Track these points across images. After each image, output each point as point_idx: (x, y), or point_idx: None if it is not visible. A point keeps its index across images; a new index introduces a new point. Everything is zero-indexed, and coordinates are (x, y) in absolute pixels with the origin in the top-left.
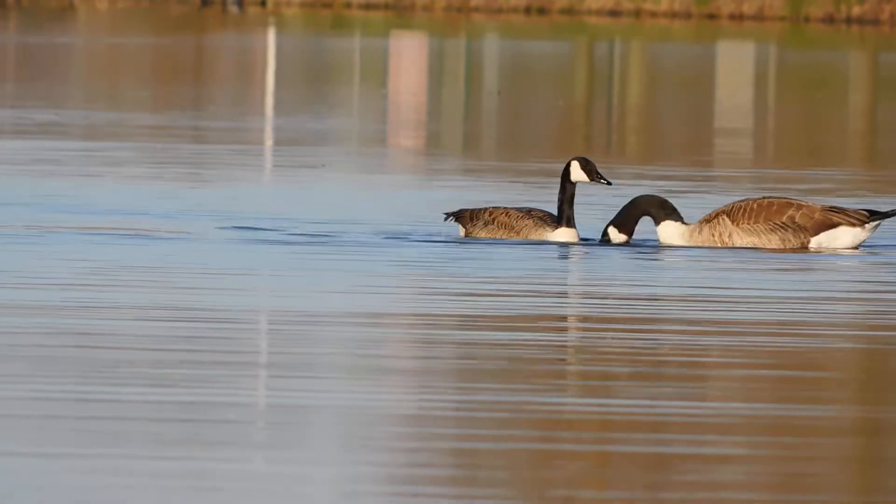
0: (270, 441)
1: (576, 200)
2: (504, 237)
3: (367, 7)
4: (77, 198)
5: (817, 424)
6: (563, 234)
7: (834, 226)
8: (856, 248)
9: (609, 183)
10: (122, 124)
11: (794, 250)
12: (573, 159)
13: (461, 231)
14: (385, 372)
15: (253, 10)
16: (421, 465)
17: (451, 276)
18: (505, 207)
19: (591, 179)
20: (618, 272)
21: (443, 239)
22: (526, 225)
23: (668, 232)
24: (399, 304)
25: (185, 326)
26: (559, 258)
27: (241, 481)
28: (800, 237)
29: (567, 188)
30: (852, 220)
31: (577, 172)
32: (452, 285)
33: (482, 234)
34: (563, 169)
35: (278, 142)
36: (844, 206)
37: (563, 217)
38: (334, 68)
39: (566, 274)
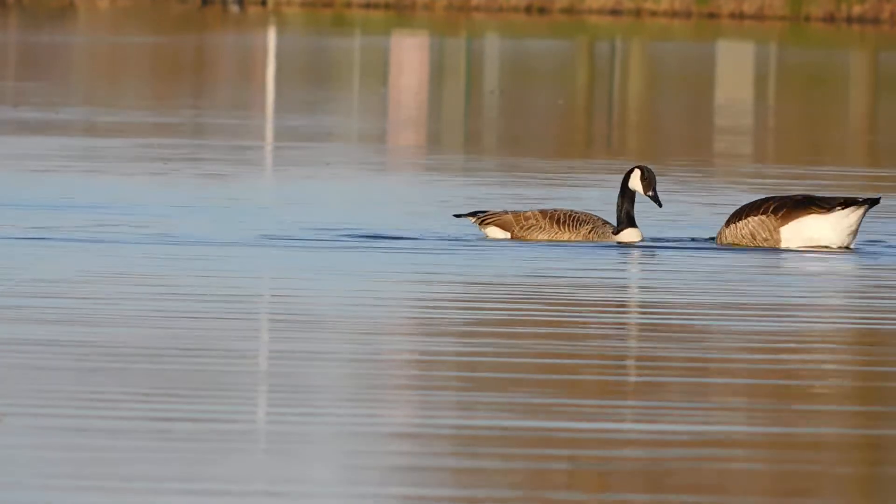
0: (271, 454)
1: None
2: (566, 241)
3: (368, 6)
4: (77, 197)
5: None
6: (628, 235)
7: (801, 216)
8: (846, 242)
9: (660, 205)
10: (122, 123)
11: (767, 245)
12: (636, 167)
13: (497, 234)
14: (391, 386)
15: (253, 10)
16: (425, 485)
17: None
18: (553, 209)
19: (644, 192)
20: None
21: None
22: (590, 228)
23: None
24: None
25: (183, 334)
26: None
27: (241, 498)
28: (768, 230)
29: (626, 193)
30: (819, 209)
31: (634, 181)
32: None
33: (541, 237)
34: (625, 174)
35: (279, 141)
36: (826, 195)
37: (624, 216)
38: (335, 67)
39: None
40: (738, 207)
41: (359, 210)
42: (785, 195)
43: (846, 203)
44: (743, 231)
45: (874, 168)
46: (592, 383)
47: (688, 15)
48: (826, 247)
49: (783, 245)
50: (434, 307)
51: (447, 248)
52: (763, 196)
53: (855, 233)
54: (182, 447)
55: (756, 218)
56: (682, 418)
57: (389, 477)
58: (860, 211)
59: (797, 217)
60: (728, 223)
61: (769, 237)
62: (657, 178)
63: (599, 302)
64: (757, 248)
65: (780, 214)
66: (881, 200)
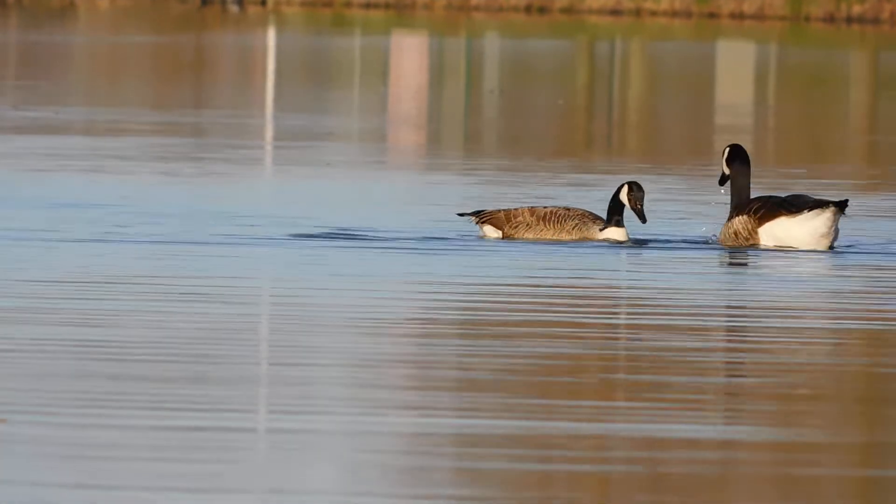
0: (271, 462)
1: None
2: (550, 238)
3: (368, 6)
4: (76, 196)
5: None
6: (612, 233)
7: (774, 218)
8: (819, 244)
9: (644, 220)
10: (122, 122)
11: (749, 245)
12: (627, 182)
13: (490, 232)
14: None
15: (253, 9)
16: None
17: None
18: (543, 206)
19: (630, 206)
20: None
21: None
22: (574, 224)
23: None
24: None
25: (184, 338)
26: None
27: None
28: (748, 230)
29: (616, 203)
30: (788, 212)
31: (623, 195)
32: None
33: (528, 235)
34: (618, 186)
35: (279, 140)
36: (805, 197)
37: (612, 218)
38: (335, 67)
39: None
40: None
41: (359, 210)
42: (771, 195)
43: (814, 206)
44: (730, 230)
45: (874, 168)
46: (592, 385)
47: (688, 15)
48: (797, 248)
49: (762, 245)
50: (432, 308)
51: (448, 249)
52: (757, 195)
53: (829, 235)
54: (182, 451)
55: (741, 217)
56: (682, 420)
57: (390, 479)
58: (827, 213)
59: (771, 219)
60: (726, 221)
61: (749, 237)
62: (647, 192)
63: (589, 302)
64: (744, 247)
65: (759, 215)
66: (849, 203)
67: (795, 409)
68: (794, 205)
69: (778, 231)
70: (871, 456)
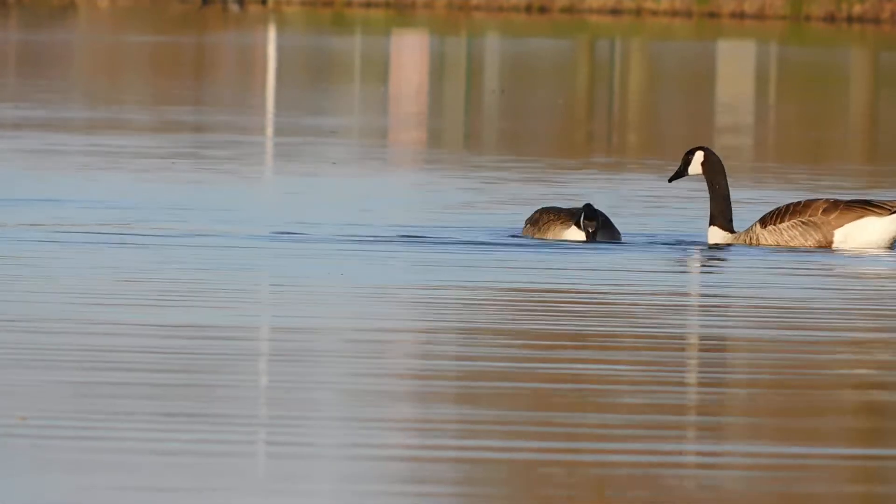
0: (272, 476)
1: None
2: (533, 236)
3: (368, 5)
4: (77, 195)
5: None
6: (575, 233)
7: (857, 217)
8: (891, 244)
9: (592, 238)
10: (123, 121)
11: (818, 247)
12: (583, 207)
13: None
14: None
15: (253, 9)
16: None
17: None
18: (553, 208)
19: (587, 237)
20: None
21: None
22: (547, 223)
23: (713, 236)
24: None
25: (180, 345)
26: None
27: None
28: (822, 232)
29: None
30: (877, 211)
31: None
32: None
33: (524, 233)
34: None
35: (279, 139)
36: (877, 198)
37: (579, 220)
38: (335, 66)
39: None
40: (774, 208)
41: (361, 210)
42: (829, 197)
43: None
44: (791, 232)
45: (874, 166)
46: (595, 401)
47: (688, 14)
48: (875, 249)
49: (835, 246)
50: (434, 311)
51: (448, 250)
52: (794, 200)
53: None
54: (178, 468)
55: (804, 219)
56: (684, 436)
57: (390, 499)
58: None
59: (853, 219)
60: (765, 224)
61: (822, 238)
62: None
63: (571, 308)
64: (776, 249)
65: (832, 216)
66: None
67: (791, 422)
68: (882, 205)
69: (862, 232)
70: (870, 471)
